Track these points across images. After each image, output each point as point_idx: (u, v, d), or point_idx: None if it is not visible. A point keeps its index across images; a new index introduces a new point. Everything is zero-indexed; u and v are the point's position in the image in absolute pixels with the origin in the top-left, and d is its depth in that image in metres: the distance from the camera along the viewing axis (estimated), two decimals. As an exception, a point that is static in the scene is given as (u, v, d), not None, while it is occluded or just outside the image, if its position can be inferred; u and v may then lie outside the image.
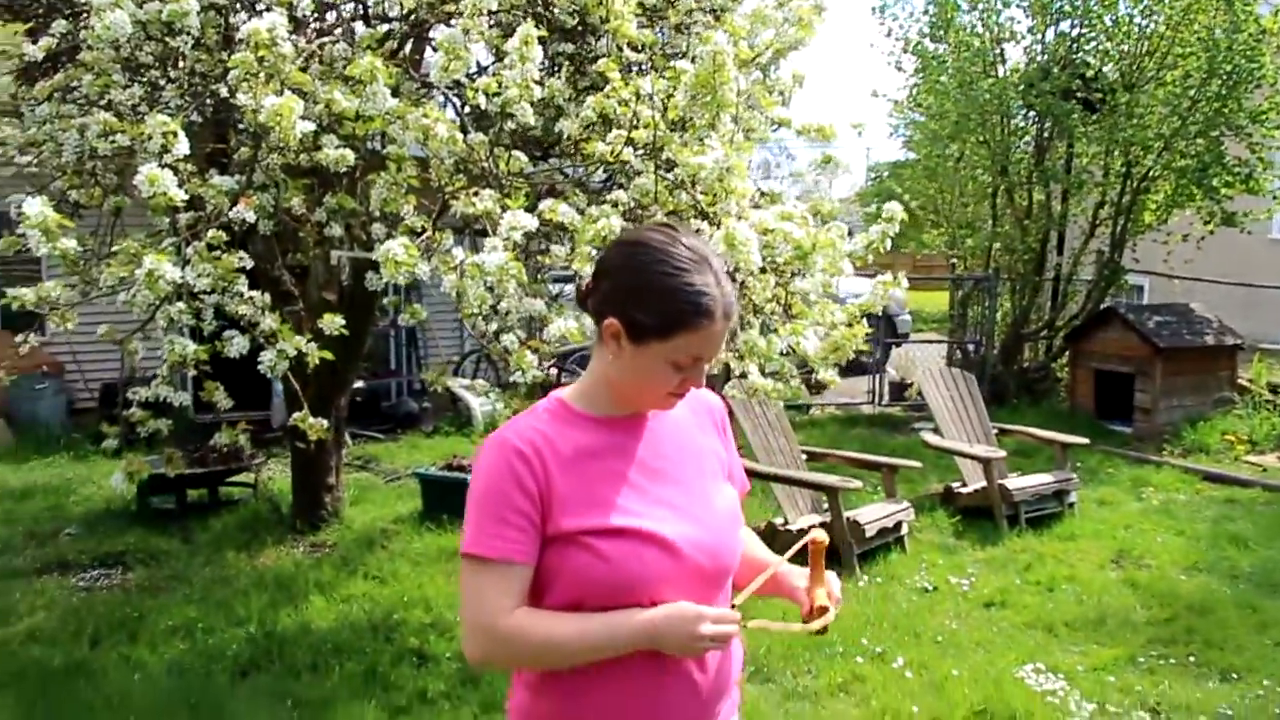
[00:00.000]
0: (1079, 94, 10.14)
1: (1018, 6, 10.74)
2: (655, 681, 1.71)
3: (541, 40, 4.24)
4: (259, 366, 3.44)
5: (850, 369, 12.37)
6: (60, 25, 3.91)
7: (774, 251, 3.78)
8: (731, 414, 5.32)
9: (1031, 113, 10.73)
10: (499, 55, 4.05)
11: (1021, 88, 10.28)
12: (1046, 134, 10.74)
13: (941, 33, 10.85)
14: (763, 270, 4.09)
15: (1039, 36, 10.65)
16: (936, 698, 4.21)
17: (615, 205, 3.83)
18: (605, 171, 4.38)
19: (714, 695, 1.79)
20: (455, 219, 3.85)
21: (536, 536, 1.68)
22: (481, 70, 4.44)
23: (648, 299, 1.68)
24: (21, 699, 4.18)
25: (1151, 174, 10.26)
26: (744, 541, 1.98)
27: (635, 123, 3.78)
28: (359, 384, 10.21)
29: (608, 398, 1.78)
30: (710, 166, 3.41)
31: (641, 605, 1.67)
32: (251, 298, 3.53)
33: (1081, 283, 11.19)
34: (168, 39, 3.74)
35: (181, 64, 4.05)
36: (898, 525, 6.23)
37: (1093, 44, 10.28)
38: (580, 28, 4.54)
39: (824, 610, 1.81)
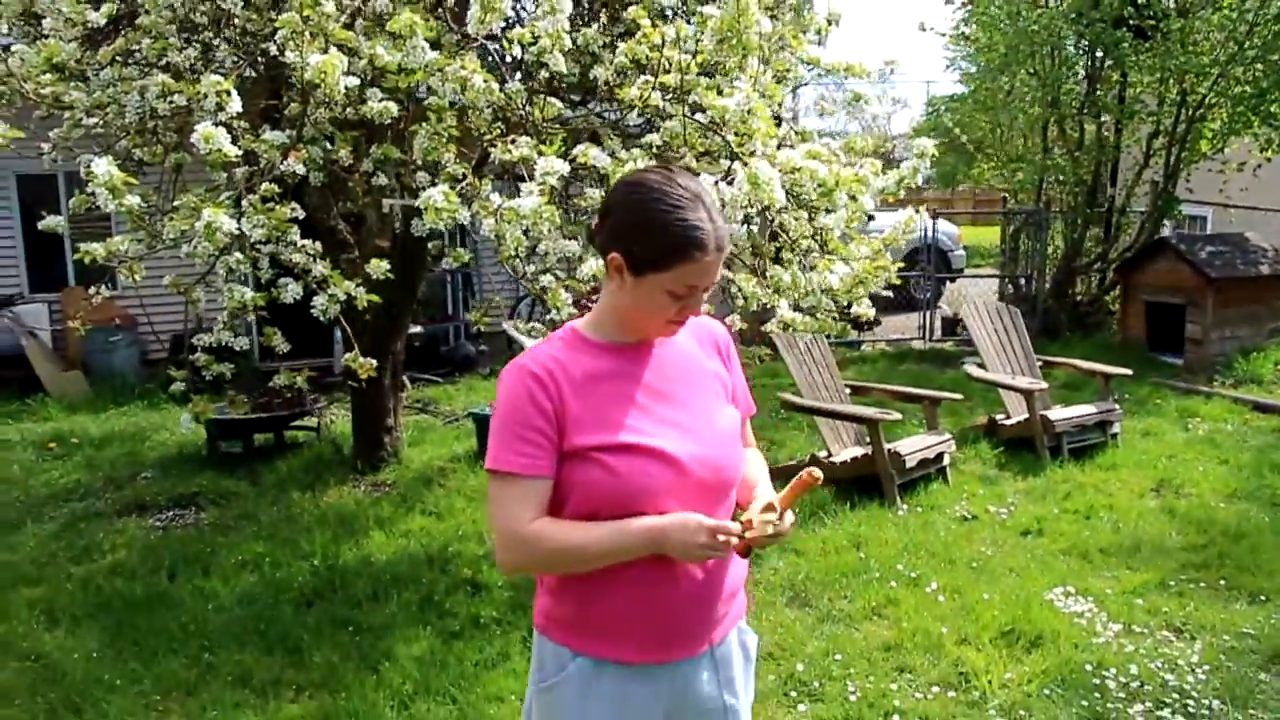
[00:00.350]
0: (1131, 21, 9.95)
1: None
2: (657, 586, 1.89)
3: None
4: (312, 310, 3.65)
5: (902, 304, 12.46)
6: (118, -10, 4.10)
7: (801, 189, 3.90)
8: (756, 342, 5.44)
9: (1082, 42, 10.55)
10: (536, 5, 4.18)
11: (1072, 16, 10.11)
12: (1097, 64, 10.56)
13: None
14: (798, 207, 4.22)
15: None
16: (966, 619, 4.36)
17: (647, 148, 3.98)
18: (640, 115, 4.49)
19: (712, 597, 1.96)
20: (495, 165, 4.01)
21: (553, 452, 1.85)
22: (519, 20, 4.56)
23: (646, 234, 1.83)
24: (108, 627, 4.50)
25: (1207, 101, 10.07)
26: (748, 462, 2.14)
27: (665, 67, 3.89)
28: (418, 329, 10.50)
29: (616, 326, 1.94)
30: (734, 109, 3.52)
31: (648, 515, 1.84)
32: (304, 246, 3.73)
33: (1135, 214, 11.06)
34: (219, 1, 3.91)
35: (233, 25, 4.25)
36: (939, 456, 6.34)
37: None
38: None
39: (765, 525, 1.87)
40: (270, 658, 4.19)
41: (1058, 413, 6.87)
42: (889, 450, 6.01)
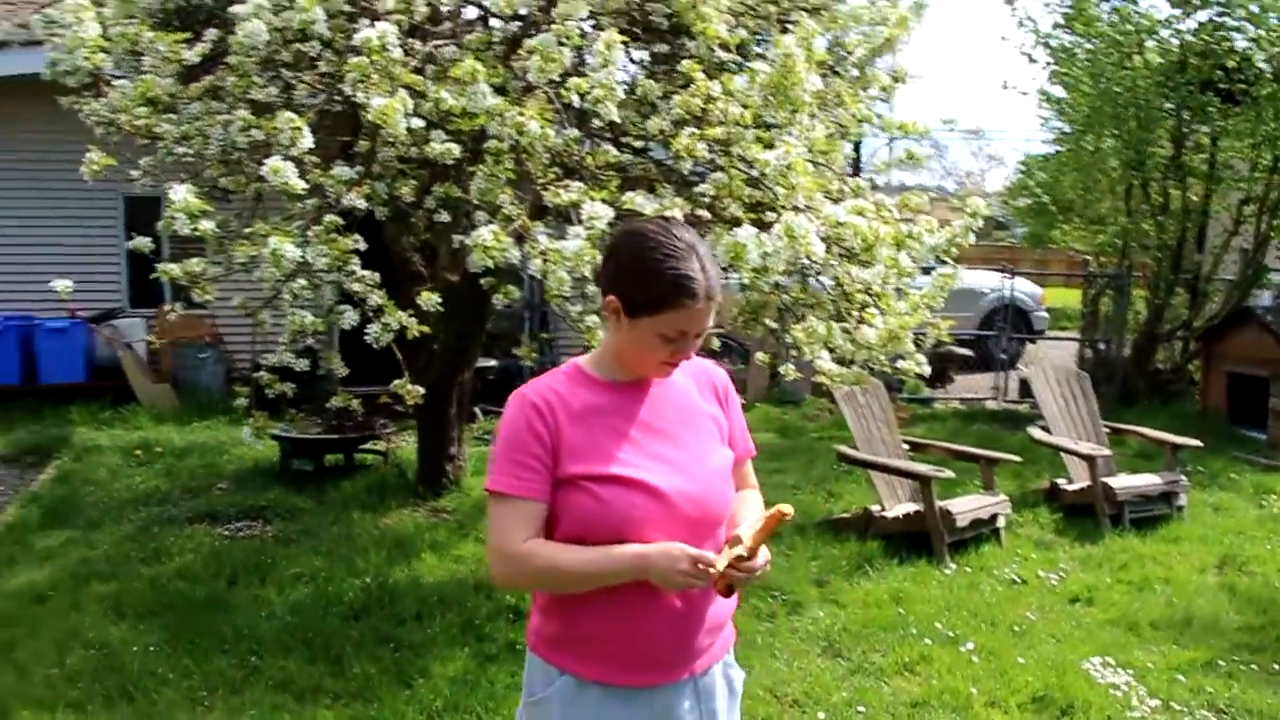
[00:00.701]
0: (1220, 85, 9.80)
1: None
2: (637, 611, 1.99)
3: (638, 40, 4.55)
4: (365, 337, 3.85)
5: (980, 364, 12.34)
6: (212, 33, 4.41)
7: (843, 244, 4.00)
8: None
9: (1168, 105, 10.42)
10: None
11: (1159, 79, 10.00)
12: (1184, 127, 10.41)
13: (1075, 24, 10.62)
14: (848, 260, 4.29)
15: (1178, 26, 10.32)
16: (998, 682, 4.33)
17: (693, 198, 4.11)
18: (696, 165, 4.63)
19: (693, 627, 2.05)
20: (549, 208, 4.18)
21: (548, 477, 1.98)
22: (579, 69, 4.74)
23: (640, 280, 1.96)
24: (168, 624, 4.74)
25: (1300, 169, 9.86)
26: (744, 502, 2.23)
27: (717, 119, 4.03)
28: (493, 363, 10.73)
29: (614, 365, 2.07)
30: (774, 162, 3.63)
31: (630, 544, 1.95)
32: (363, 276, 3.94)
33: (1222, 282, 10.82)
34: (298, 44, 4.17)
35: (314, 66, 4.52)
36: (993, 518, 6.29)
37: (1241, 33, 9.91)
38: (673, 30, 4.81)
39: (738, 560, 1.94)
40: (313, 666, 4.37)
41: (1120, 481, 6.77)
42: (941, 508, 6.00)
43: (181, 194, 3.52)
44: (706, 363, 2.24)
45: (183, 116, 4.36)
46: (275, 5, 4.15)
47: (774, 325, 4.35)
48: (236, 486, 7.27)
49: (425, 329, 3.92)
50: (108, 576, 5.32)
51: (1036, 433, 7.25)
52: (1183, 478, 7.02)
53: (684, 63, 4.18)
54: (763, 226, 3.82)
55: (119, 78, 4.73)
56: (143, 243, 4.51)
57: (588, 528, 1.96)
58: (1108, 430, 7.49)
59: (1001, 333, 11.53)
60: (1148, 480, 6.83)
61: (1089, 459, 6.70)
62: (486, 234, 3.59)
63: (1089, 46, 10.87)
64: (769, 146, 3.88)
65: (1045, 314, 14.78)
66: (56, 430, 8.54)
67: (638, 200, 3.73)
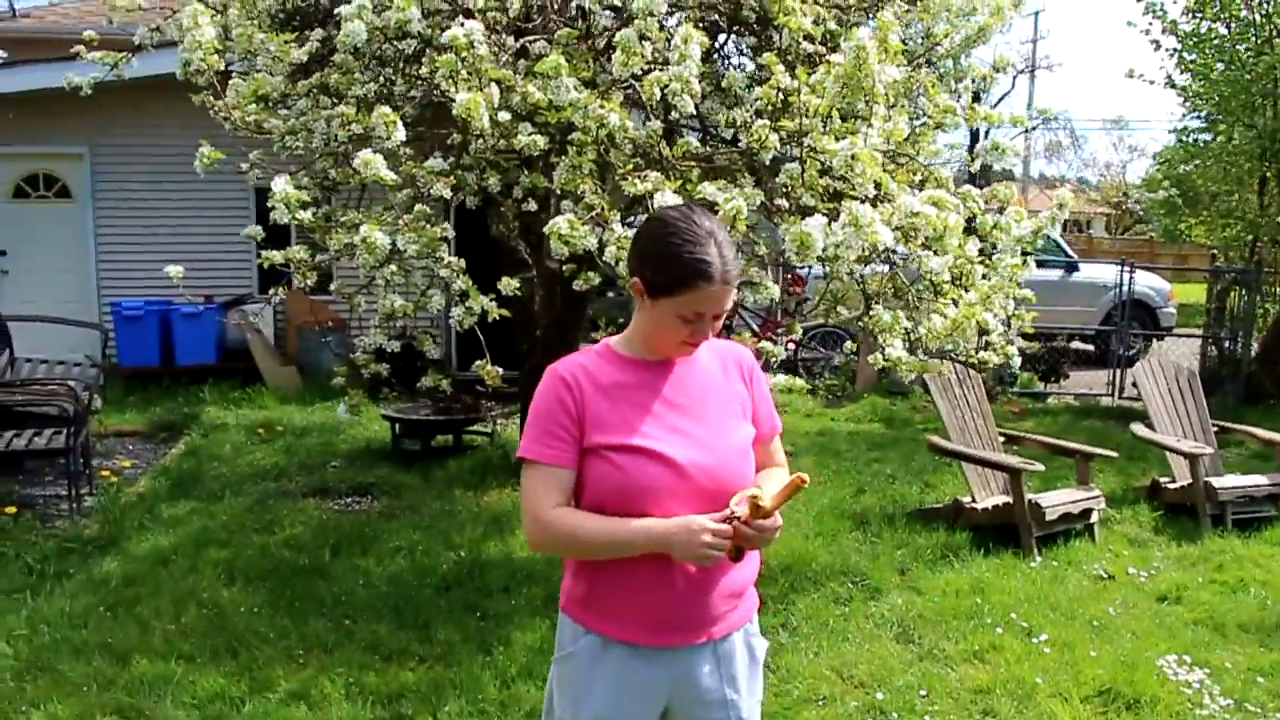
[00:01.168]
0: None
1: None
2: (653, 575, 2.12)
3: (729, 31, 4.65)
4: (450, 321, 4.06)
5: (1098, 360, 12.02)
6: (318, 33, 4.70)
7: (915, 233, 4.04)
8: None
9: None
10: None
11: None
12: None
13: (1206, 8, 10.24)
14: (923, 249, 4.32)
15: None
16: (1066, 674, 4.31)
17: (772, 188, 4.21)
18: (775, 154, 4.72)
19: (708, 593, 2.17)
20: (625, 197, 4.33)
21: (576, 447, 2.13)
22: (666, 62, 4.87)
23: (660, 263, 2.09)
24: (273, 589, 5.08)
25: None
26: (768, 477, 2.34)
27: (799, 110, 4.11)
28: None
29: (641, 344, 2.21)
30: (841, 153, 3.71)
31: (648, 513, 2.08)
32: (450, 262, 4.16)
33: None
34: (396, 42, 4.42)
35: (416, 62, 4.77)
36: (1085, 513, 6.20)
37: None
38: (760, 22, 4.90)
39: (754, 512, 2.07)
40: (401, 631, 4.63)
41: (1224, 480, 6.57)
42: (1030, 501, 5.95)
43: (281, 185, 3.79)
44: (732, 344, 2.37)
45: (291, 112, 4.66)
46: (377, 4, 4.42)
47: (848, 314, 4.40)
48: (349, 464, 7.66)
49: (506, 313, 4.11)
50: (224, 543, 5.71)
51: (1139, 429, 7.08)
52: (1293, 479, 6.77)
53: (764, 55, 4.27)
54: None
55: (245, 74, 5.09)
56: (255, 230, 4.83)
57: (606, 495, 2.11)
58: (1217, 429, 7.26)
59: (1118, 329, 11.20)
60: (1253, 480, 6.61)
61: (1190, 457, 6.52)
62: (562, 222, 3.76)
63: (1221, 31, 10.48)
64: (841, 138, 3.95)
65: (1173, 310, 14.25)
66: (189, 409, 9.11)
67: (708, 190, 3.84)
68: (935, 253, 4.13)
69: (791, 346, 11.84)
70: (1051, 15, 60.41)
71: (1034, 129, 39.50)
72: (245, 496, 6.70)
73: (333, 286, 4.77)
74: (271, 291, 5.02)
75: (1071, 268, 14.08)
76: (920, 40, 5.27)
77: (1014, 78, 41.61)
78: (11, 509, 6.09)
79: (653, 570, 2.12)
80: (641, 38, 4.09)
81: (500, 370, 4.34)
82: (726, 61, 5.24)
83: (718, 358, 2.29)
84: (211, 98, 5.08)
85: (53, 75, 7.04)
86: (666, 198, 3.71)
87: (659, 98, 4.16)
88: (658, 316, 2.12)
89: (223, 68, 4.36)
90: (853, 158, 3.66)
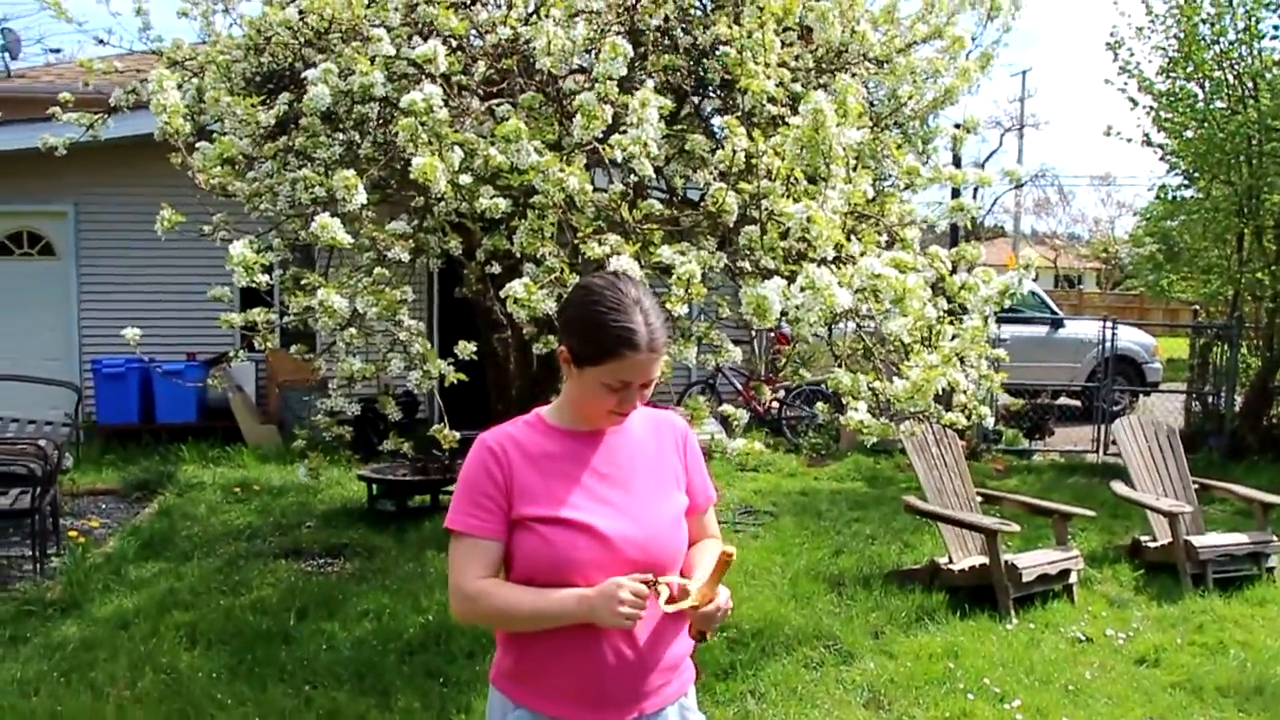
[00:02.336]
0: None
1: (1273, 38, 10.12)
2: (582, 649, 2.08)
3: (689, 93, 4.69)
4: (408, 385, 4.04)
5: (1084, 416, 12.00)
6: (285, 96, 4.73)
7: (878, 295, 4.03)
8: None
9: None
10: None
11: (1270, 123, 9.65)
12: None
13: (1180, 68, 10.36)
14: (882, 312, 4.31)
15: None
16: (1039, 740, 4.24)
17: (736, 250, 4.21)
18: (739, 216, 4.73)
19: (640, 667, 2.12)
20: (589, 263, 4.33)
21: (503, 518, 2.10)
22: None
23: (585, 331, 2.07)
24: (235, 653, 4.99)
25: None
26: (701, 549, 2.30)
27: (763, 172, 4.13)
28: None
29: (571, 414, 2.18)
30: (797, 215, 3.70)
31: (577, 585, 2.04)
32: (409, 326, 4.15)
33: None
34: (361, 106, 4.44)
35: (384, 125, 4.80)
36: (1064, 573, 6.13)
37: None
38: (725, 85, 4.93)
39: (696, 604, 2.06)
40: (362, 698, 4.55)
41: (1204, 539, 6.51)
42: (1006, 562, 5.88)
43: (239, 249, 3.78)
44: (667, 413, 2.34)
45: (258, 174, 4.67)
46: (344, 70, 4.45)
47: (810, 376, 4.38)
48: (324, 524, 7.58)
49: (463, 376, 4.09)
50: (188, 606, 5.63)
51: (1119, 487, 7.03)
52: (1274, 538, 6.70)
53: (722, 118, 4.30)
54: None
55: (225, 134, 5.11)
56: (221, 292, 4.82)
57: (535, 567, 2.07)
58: (1198, 487, 7.21)
59: (1101, 385, 11.20)
60: (1234, 539, 6.56)
61: (1170, 515, 6.47)
62: (518, 285, 3.75)
63: (1195, 91, 10.60)
64: (798, 200, 3.95)
65: (1159, 365, 14.28)
66: (166, 467, 9.05)
67: (665, 253, 3.84)
68: (900, 314, 4.12)
69: (775, 406, 11.82)
70: (1039, 73, 61.29)
71: (1021, 186, 39.94)
72: (216, 557, 6.63)
73: (293, 349, 4.75)
74: (230, 354, 5.00)
75: (1057, 324, 14.12)
76: (887, 101, 5.30)
77: (1001, 135, 42.10)
78: (-27, 571, 6.02)
79: (580, 643, 2.07)
80: (604, 100, 4.11)
81: (457, 435, 4.30)
82: (704, 122, 5.26)
83: (650, 427, 2.27)
84: (183, 159, 5.11)
85: (35, 135, 7.08)
86: (623, 261, 3.70)
87: (620, 160, 4.18)
88: (585, 385, 2.10)
89: (189, 131, 4.37)
90: (809, 220, 3.65)
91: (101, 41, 6.40)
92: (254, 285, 3.90)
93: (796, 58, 5.05)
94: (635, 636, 2.10)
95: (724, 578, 2.11)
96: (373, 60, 4.27)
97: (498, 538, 2.09)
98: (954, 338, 4.57)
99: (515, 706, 2.16)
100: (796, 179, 4.18)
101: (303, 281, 4.11)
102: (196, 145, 4.80)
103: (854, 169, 4.33)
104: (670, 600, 2.08)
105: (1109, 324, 11.13)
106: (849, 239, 4.03)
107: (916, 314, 3.85)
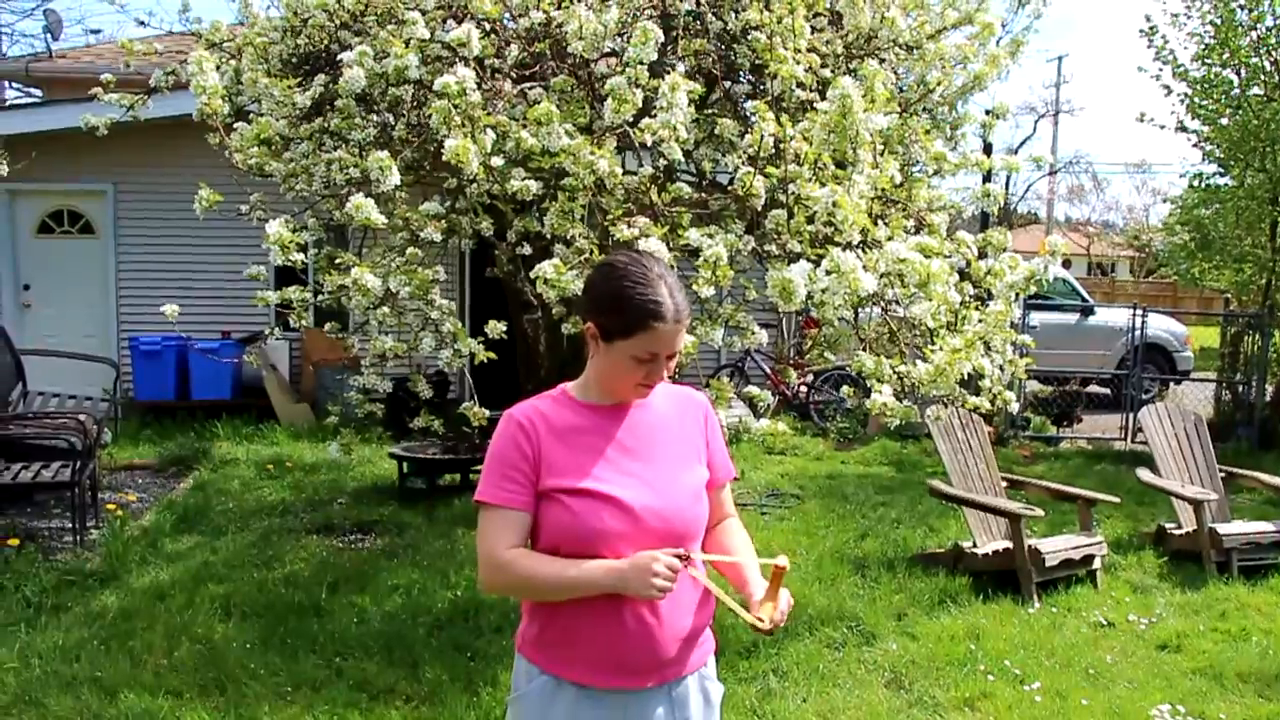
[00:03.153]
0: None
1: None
2: (605, 617, 2.14)
3: (720, 78, 4.73)
4: (439, 364, 4.12)
5: (1113, 404, 11.95)
6: (321, 78, 4.80)
7: (904, 280, 4.07)
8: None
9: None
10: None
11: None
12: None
13: (1215, 54, 10.26)
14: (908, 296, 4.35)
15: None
16: (1057, 722, 4.28)
17: (763, 233, 4.26)
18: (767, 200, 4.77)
19: (661, 635, 2.18)
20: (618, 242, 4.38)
21: (531, 490, 2.16)
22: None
23: (613, 306, 2.14)
24: (268, 625, 5.11)
25: None
26: (728, 531, 2.37)
27: (792, 156, 4.17)
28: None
29: (596, 389, 2.25)
30: (823, 200, 3.75)
31: (602, 556, 2.11)
32: (440, 305, 4.22)
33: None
34: (395, 88, 4.52)
35: (407, 108, 4.87)
36: (1087, 559, 6.15)
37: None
38: (755, 70, 4.97)
39: (770, 629, 2.13)
40: (391, 669, 4.65)
41: (1229, 527, 6.51)
42: (1030, 546, 5.91)
43: (275, 228, 3.87)
44: (689, 390, 2.40)
45: (294, 155, 4.76)
46: (379, 52, 4.53)
47: (834, 359, 4.43)
48: (355, 501, 7.71)
49: (492, 355, 4.17)
50: (223, 579, 5.76)
51: (1145, 474, 7.03)
52: (1301, 527, 6.69)
53: (752, 103, 4.34)
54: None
55: (263, 116, 5.20)
56: (257, 271, 4.92)
57: (560, 537, 2.14)
58: (1224, 475, 7.20)
59: (1131, 373, 11.15)
60: (1259, 527, 6.54)
61: (1195, 502, 6.47)
62: (548, 266, 3.82)
63: (1231, 78, 10.49)
64: (825, 184, 3.99)
65: (1190, 354, 14.17)
66: (201, 443, 9.20)
67: (693, 235, 3.89)
68: (925, 299, 4.16)
69: (803, 389, 11.85)
70: (1075, 59, 60.56)
71: (1055, 172, 39.55)
72: (249, 532, 6.76)
73: (327, 327, 4.85)
74: (265, 332, 5.10)
75: (1087, 311, 14.03)
76: (915, 87, 5.32)
77: (1036, 121, 41.66)
78: (15, 541, 6.16)
79: (604, 612, 2.14)
80: (634, 85, 4.16)
81: (488, 412, 4.38)
82: (735, 106, 5.28)
83: (674, 403, 2.33)
84: (221, 139, 5.21)
85: (76, 115, 7.21)
86: (652, 243, 3.76)
87: (650, 143, 4.23)
88: (613, 360, 2.16)
89: (228, 111, 4.46)
90: (835, 204, 3.69)
91: (142, 23, 6.47)
92: (289, 264, 4.00)
93: (827, 43, 5.08)
94: (658, 606, 2.16)
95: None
96: (407, 43, 4.34)
97: (526, 509, 2.16)
98: (980, 322, 4.60)
99: (540, 673, 2.23)
100: (824, 164, 4.22)
101: (337, 260, 4.20)
102: (234, 126, 4.90)
103: (881, 154, 4.36)
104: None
105: (1139, 312, 11.06)
106: (876, 224, 4.07)
107: (940, 298, 3.88)
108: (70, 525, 6.47)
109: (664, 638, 2.20)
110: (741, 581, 2.28)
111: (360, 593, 5.64)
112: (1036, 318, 11.83)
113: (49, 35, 14.06)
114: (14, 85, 16.64)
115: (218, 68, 4.75)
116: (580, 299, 2.25)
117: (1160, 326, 13.74)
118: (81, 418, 6.50)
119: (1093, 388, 13.14)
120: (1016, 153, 38.35)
